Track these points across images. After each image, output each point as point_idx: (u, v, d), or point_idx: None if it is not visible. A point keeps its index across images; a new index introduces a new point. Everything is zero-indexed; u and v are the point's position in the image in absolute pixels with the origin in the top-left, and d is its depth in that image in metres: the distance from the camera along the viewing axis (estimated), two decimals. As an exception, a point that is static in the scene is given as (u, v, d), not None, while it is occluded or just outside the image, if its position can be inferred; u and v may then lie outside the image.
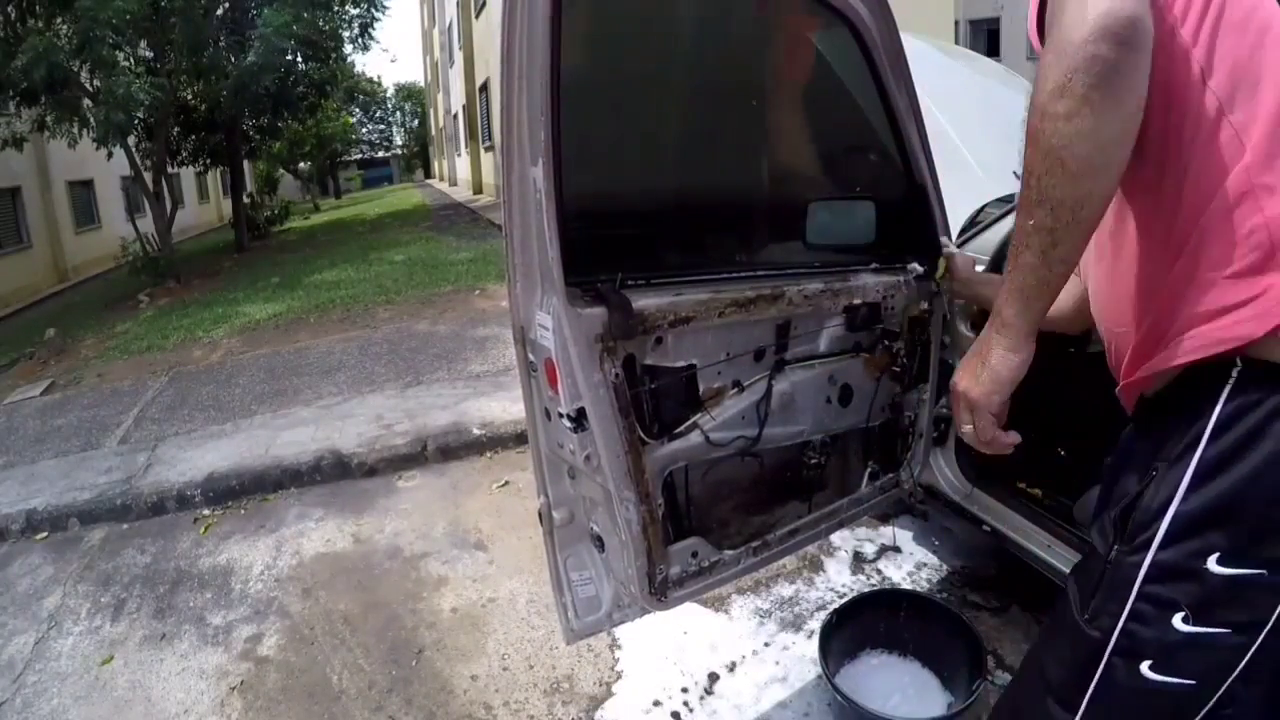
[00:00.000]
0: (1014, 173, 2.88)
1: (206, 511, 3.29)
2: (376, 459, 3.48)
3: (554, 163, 1.11)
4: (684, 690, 1.96)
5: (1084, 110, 0.71)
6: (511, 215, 1.17)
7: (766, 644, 2.11)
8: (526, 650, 2.19)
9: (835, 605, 2.06)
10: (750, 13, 1.53)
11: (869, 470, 1.75)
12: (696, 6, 1.49)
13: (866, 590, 2.25)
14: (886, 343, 1.62)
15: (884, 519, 2.59)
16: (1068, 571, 0.97)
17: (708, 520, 1.51)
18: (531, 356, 1.27)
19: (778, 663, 2.03)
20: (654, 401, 1.33)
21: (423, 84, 39.06)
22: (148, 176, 10.44)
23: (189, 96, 11.46)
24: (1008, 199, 2.29)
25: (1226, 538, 0.75)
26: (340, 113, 30.61)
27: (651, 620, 1.69)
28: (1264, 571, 0.74)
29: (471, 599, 2.46)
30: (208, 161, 14.46)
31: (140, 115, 9.19)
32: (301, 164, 31.33)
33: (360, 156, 44.52)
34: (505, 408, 3.78)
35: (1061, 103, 0.72)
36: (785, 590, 2.34)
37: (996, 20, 23.26)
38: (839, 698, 1.61)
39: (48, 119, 9.39)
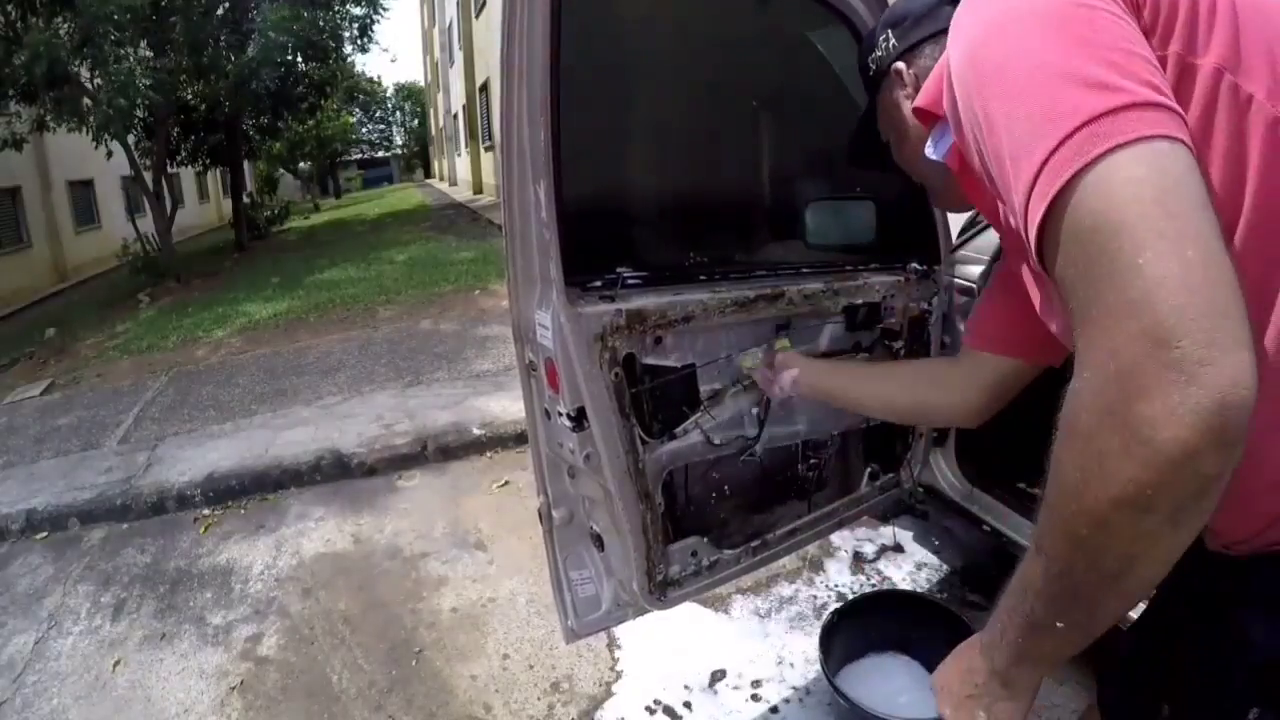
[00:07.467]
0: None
1: (206, 511, 3.29)
2: (377, 459, 3.48)
3: (553, 162, 1.11)
4: (684, 690, 1.96)
5: (1165, 531, 0.53)
6: (511, 215, 1.17)
7: (766, 644, 2.11)
8: (526, 650, 2.19)
9: (835, 605, 2.06)
10: (749, 13, 1.53)
11: (869, 470, 1.75)
12: (696, 6, 1.49)
13: (867, 590, 2.25)
14: (887, 343, 1.62)
15: (884, 519, 2.58)
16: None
17: (707, 520, 1.51)
18: (531, 356, 1.27)
19: (778, 663, 2.03)
20: (654, 401, 1.33)
21: (423, 84, 39.06)
22: (148, 176, 10.44)
23: (189, 96, 11.45)
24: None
25: None
26: (340, 113, 30.62)
27: (651, 620, 1.69)
28: None
29: (471, 599, 2.46)
30: (208, 161, 14.45)
31: (140, 105, 9.16)
32: (301, 164, 31.35)
33: (360, 156, 44.52)
34: (506, 407, 3.78)
35: (1137, 522, 0.53)
36: (785, 590, 2.34)
37: (997, 20, 23.31)
38: (839, 698, 1.60)
39: (48, 118, 9.38)
